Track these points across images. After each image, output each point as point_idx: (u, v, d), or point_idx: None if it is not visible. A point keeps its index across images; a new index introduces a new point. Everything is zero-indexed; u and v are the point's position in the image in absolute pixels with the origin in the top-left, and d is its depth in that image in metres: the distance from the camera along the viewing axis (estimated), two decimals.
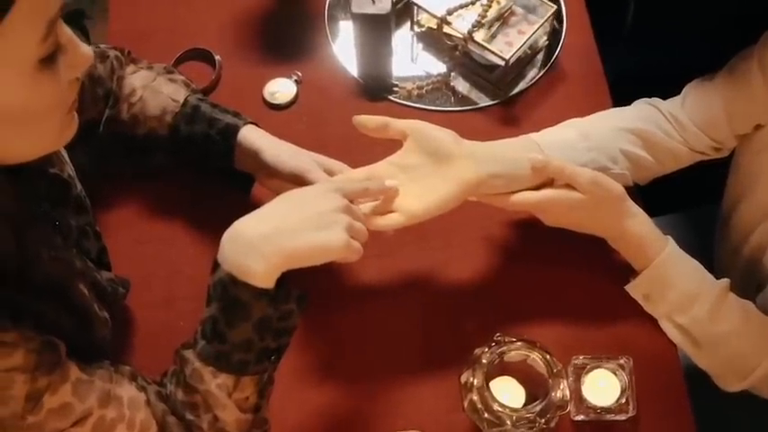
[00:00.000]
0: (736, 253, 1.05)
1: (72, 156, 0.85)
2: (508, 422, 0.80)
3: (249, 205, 0.99)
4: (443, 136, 0.87)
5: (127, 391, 0.75)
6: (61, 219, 0.80)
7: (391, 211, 0.85)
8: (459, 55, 1.09)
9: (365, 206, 0.84)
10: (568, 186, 0.88)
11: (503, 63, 1.07)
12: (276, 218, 0.74)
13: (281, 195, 0.77)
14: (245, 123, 0.93)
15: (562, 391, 0.81)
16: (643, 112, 1.00)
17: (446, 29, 1.09)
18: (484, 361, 0.82)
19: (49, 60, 0.60)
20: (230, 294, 0.71)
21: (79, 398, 0.70)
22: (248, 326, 0.71)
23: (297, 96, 1.11)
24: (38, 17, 0.57)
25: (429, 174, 0.86)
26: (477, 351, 0.85)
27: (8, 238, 0.65)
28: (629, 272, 0.94)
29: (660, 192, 1.04)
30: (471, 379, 0.83)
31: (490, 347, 0.83)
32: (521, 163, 0.88)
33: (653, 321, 0.93)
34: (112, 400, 0.73)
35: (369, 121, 0.89)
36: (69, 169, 0.84)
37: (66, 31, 0.62)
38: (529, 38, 1.08)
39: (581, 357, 0.88)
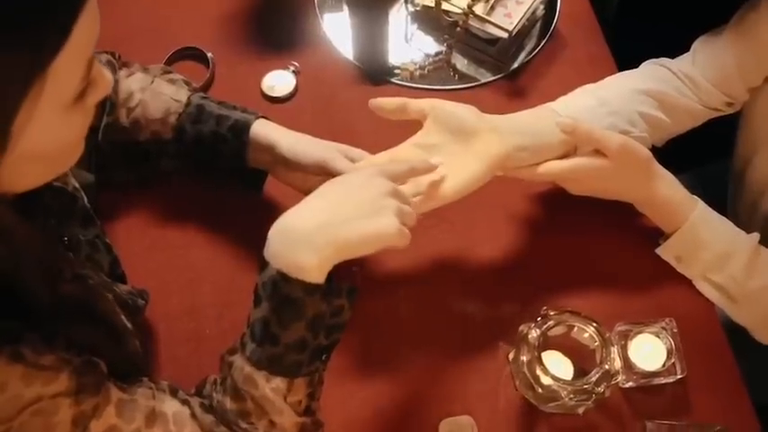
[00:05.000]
0: (753, 208, 1.05)
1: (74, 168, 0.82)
2: (563, 395, 0.78)
3: (262, 204, 0.98)
4: (464, 112, 0.85)
5: (170, 406, 0.72)
6: (69, 233, 0.76)
7: (419, 194, 0.82)
8: (461, 31, 1.07)
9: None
10: (594, 153, 0.87)
11: (506, 35, 1.05)
12: (325, 208, 0.70)
13: (326, 184, 0.74)
14: (257, 118, 0.89)
15: (613, 359, 0.80)
16: (655, 73, 0.99)
17: (444, 5, 1.07)
18: (533, 335, 0.80)
19: (81, 95, 0.58)
20: (282, 293, 0.67)
21: (125, 419, 0.67)
22: (302, 324, 0.68)
23: (296, 87, 1.08)
24: (81, 57, 0.56)
25: (454, 152, 0.84)
26: (523, 327, 0.83)
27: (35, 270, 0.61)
28: (658, 234, 0.93)
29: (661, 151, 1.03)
30: (521, 356, 0.81)
31: (536, 322, 0.81)
32: (545, 133, 0.87)
33: (687, 281, 0.92)
34: (158, 418, 0.70)
35: (386, 103, 0.86)
36: (73, 181, 0.80)
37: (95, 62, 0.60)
38: (529, 8, 1.06)
39: (623, 324, 0.87)
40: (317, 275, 0.68)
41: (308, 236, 0.68)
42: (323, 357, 0.73)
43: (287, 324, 0.68)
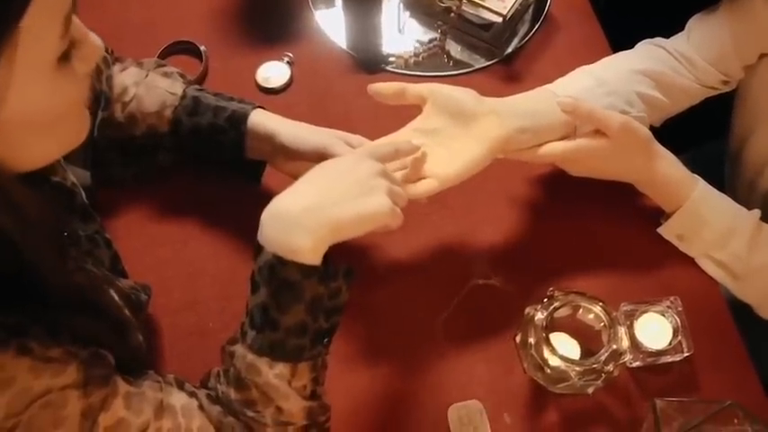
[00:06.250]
0: (751, 188, 1.04)
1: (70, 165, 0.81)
2: (572, 375, 0.78)
3: (261, 196, 0.96)
4: (464, 95, 0.85)
5: (178, 399, 0.71)
6: (69, 229, 0.75)
7: (422, 178, 0.82)
8: (454, 17, 1.06)
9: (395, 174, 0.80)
10: (594, 134, 0.86)
11: (499, 20, 1.05)
12: (316, 190, 0.70)
13: (316, 167, 0.73)
14: (254, 108, 0.89)
15: (621, 337, 0.80)
16: (651, 53, 0.99)
17: None
18: (539, 317, 0.80)
19: (65, 57, 0.57)
20: (279, 276, 0.67)
21: (133, 412, 0.67)
22: (301, 308, 0.68)
23: (291, 78, 1.07)
24: (55, 13, 0.54)
25: (455, 136, 0.83)
26: (529, 309, 0.82)
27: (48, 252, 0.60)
28: (659, 214, 0.93)
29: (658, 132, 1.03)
30: (528, 338, 0.81)
31: (543, 303, 0.81)
32: (545, 114, 0.86)
33: (690, 259, 0.92)
34: (166, 410, 0.69)
35: (385, 88, 0.85)
36: (71, 177, 0.80)
37: (78, 23, 0.58)
38: None
39: (628, 304, 0.87)
40: (311, 257, 0.67)
41: (300, 218, 0.67)
42: (324, 341, 0.72)
43: (286, 308, 0.68)
